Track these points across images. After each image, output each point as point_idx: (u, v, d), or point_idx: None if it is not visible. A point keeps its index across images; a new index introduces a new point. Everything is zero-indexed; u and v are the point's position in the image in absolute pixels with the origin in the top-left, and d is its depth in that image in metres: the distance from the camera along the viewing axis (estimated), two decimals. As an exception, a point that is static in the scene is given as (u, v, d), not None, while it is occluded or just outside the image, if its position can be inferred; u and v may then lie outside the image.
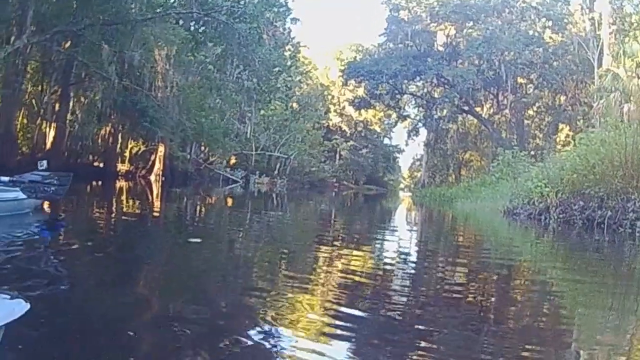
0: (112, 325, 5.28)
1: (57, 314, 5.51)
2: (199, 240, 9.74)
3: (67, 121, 45.77)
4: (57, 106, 44.27)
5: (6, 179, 12.72)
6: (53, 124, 44.38)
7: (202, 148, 63.65)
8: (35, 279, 6.93)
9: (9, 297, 3.45)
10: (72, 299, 6.28)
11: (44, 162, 14.87)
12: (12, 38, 34.65)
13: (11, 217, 12.19)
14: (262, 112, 71.26)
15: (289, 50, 69.04)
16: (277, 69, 50.38)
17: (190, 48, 41.68)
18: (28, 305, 3.33)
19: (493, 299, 8.08)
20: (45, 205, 15.48)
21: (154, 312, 6.30)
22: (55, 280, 7.07)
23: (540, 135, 65.66)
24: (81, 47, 38.13)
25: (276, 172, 79.50)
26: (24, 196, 12.99)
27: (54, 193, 13.81)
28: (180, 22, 42.19)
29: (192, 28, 43.00)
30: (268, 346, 5.22)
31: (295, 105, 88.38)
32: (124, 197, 29.10)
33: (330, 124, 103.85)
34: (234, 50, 42.10)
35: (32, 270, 7.42)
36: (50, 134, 44.66)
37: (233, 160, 73.18)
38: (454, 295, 8.12)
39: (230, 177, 65.85)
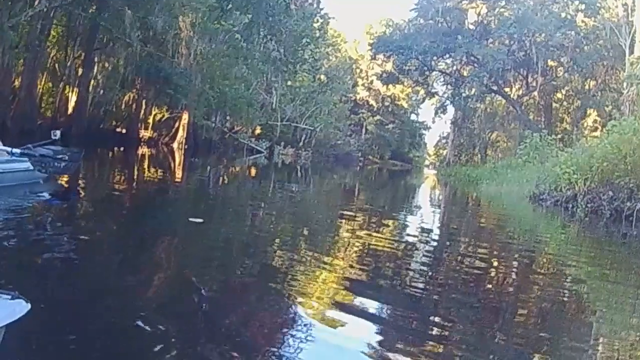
0: (119, 312, 5.12)
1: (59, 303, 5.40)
2: (200, 220, 9.42)
3: (90, 86, 45.73)
4: (79, 71, 44.21)
5: (18, 150, 12.58)
6: (75, 89, 44.34)
7: (227, 117, 63.46)
8: (34, 264, 6.71)
9: (9, 297, 3.40)
10: (75, 284, 6.04)
11: (58, 132, 14.81)
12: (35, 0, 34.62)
13: (22, 187, 12.07)
14: (289, 83, 70.95)
15: (317, 21, 68.58)
16: (304, 40, 49.77)
17: (216, 16, 41.39)
18: (29, 306, 3.28)
19: (512, 288, 7.97)
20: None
21: (164, 296, 6.13)
22: (56, 263, 6.83)
23: (568, 120, 65.01)
24: (104, 12, 37.94)
25: (301, 144, 79.18)
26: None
27: (64, 168, 13.87)
28: None
29: None
30: (284, 324, 5.24)
31: (322, 77, 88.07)
32: (144, 165, 29.04)
33: (358, 98, 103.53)
34: (260, 19, 41.82)
35: (30, 252, 7.08)
36: (73, 99, 44.65)
37: (258, 131, 72.97)
38: (473, 280, 8.05)
39: (255, 147, 65.69)
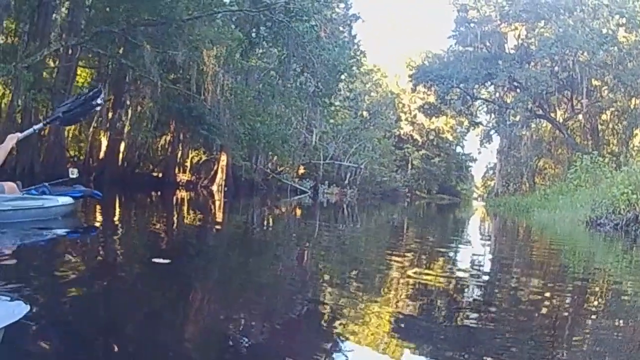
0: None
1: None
2: (167, 261, 9.10)
3: (124, 130, 46.02)
4: (110, 114, 44.52)
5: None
6: (106, 133, 44.68)
7: (270, 157, 63.65)
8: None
9: (8, 298, 3.54)
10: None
11: (75, 170, 15.48)
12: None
13: (34, 223, 12.19)
14: (331, 121, 71.09)
15: (352, 52, 68.60)
16: (338, 68, 49.30)
17: (243, 49, 41.34)
18: (28, 307, 3.35)
19: (567, 323, 7.48)
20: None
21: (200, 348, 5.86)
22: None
23: (615, 141, 64.20)
24: (125, 48, 38.33)
25: (346, 182, 79.29)
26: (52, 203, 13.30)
27: (87, 109, 14.08)
28: (233, 20, 41.78)
29: (246, 28, 42.57)
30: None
31: (364, 113, 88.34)
32: (182, 208, 28.99)
33: (402, 133, 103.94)
34: (290, 51, 41.71)
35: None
36: (104, 143, 45.00)
37: (302, 170, 73.19)
38: (525, 315, 7.63)
39: (299, 187, 65.81)
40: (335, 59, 46.61)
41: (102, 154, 45.85)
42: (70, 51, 38.00)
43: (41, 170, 35.62)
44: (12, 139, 12.06)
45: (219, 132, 42.65)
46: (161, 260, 8.56)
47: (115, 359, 4.61)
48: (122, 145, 46.42)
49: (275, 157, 64.07)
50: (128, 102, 45.96)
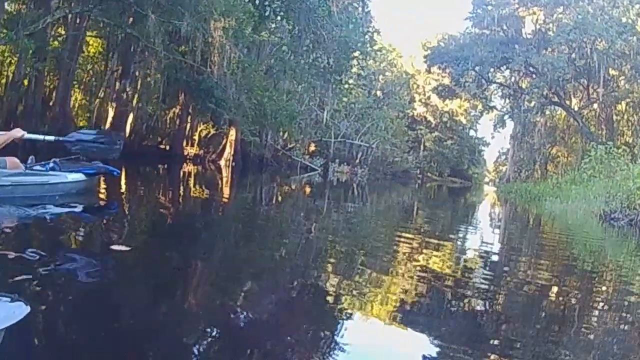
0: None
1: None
2: (126, 248, 8.90)
3: (134, 102, 45.79)
4: (117, 85, 44.25)
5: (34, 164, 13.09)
6: (113, 104, 44.45)
7: (281, 134, 63.47)
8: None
9: (9, 299, 3.40)
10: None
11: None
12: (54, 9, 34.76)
13: (35, 199, 12.02)
14: (344, 99, 70.87)
15: (365, 30, 68.00)
16: (349, 45, 48.64)
17: (254, 23, 40.90)
18: (28, 309, 3.30)
19: (573, 317, 7.41)
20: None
21: (200, 321, 5.92)
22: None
23: (629, 133, 63.82)
24: (129, 18, 37.74)
25: (357, 161, 79.14)
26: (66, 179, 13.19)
27: (104, 151, 13.86)
28: None
29: (257, 1, 41.96)
30: (332, 347, 5.05)
31: (378, 93, 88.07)
32: (188, 183, 28.96)
33: (415, 114, 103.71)
34: (301, 26, 41.33)
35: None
36: (110, 114, 44.82)
37: (312, 148, 73.11)
38: (531, 307, 7.64)
39: (309, 164, 65.76)
40: (347, 35, 46.15)
41: (108, 125, 45.77)
42: (78, 20, 37.90)
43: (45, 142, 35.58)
44: (16, 133, 11.97)
45: (227, 106, 42.31)
46: (120, 247, 8.41)
47: (113, 347, 4.60)
48: (130, 117, 46.29)
49: (286, 134, 63.97)
50: (136, 74, 45.73)
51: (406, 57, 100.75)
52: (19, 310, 3.25)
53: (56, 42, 39.63)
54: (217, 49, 35.75)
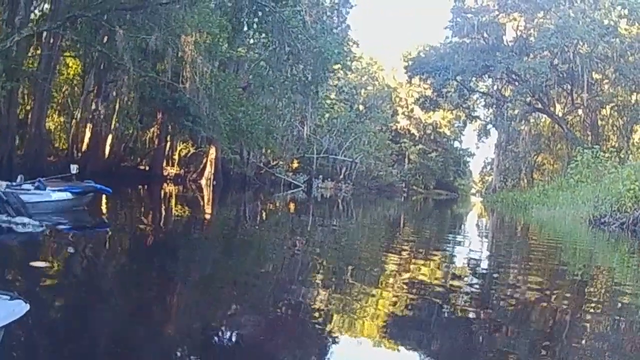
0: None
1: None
2: (43, 264, 8.67)
3: (112, 122, 45.44)
4: (93, 105, 43.97)
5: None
6: (89, 124, 44.14)
7: (263, 151, 63.29)
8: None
9: (8, 297, 3.45)
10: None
11: (74, 167, 15.27)
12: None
13: None
14: (326, 115, 70.81)
15: (342, 39, 67.83)
16: (324, 55, 48.22)
17: (228, 37, 40.57)
18: (28, 306, 3.35)
19: (564, 323, 7.32)
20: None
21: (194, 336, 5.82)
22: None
23: (614, 138, 63.98)
24: (107, 37, 36.80)
25: (341, 176, 78.98)
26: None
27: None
28: (215, 5, 40.69)
29: (229, 15, 41.64)
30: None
31: (361, 107, 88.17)
32: (169, 203, 28.85)
33: (399, 127, 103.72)
34: (275, 37, 41.12)
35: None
36: (87, 135, 44.46)
37: (296, 164, 72.90)
38: (521, 315, 7.62)
39: (292, 181, 65.56)
40: (323, 46, 45.83)
41: (85, 146, 45.41)
42: (52, 40, 37.66)
43: (23, 161, 35.15)
44: None
45: (202, 123, 40.81)
46: (39, 264, 8.20)
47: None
48: (108, 137, 45.98)
49: (269, 151, 63.81)
50: (113, 93, 45.35)
51: (388, 70, 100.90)
52: (19, 307, 3.32)
53: (32, 62, 39.47)
54: (190, 64, 34.83)
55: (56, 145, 45.53)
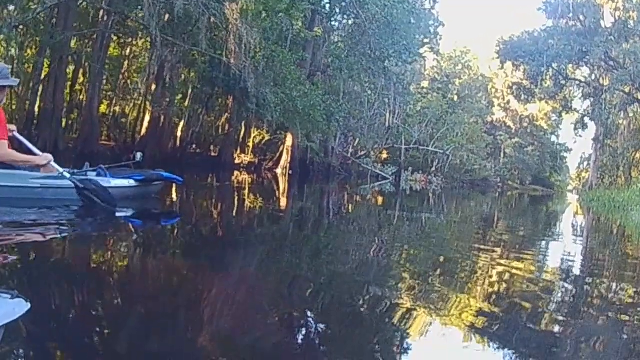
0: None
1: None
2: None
3: (170, 104, 45.31)
4: (153, 87, 43.89)
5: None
6: (148, 108, 44.13)
7: (350, 140, 63.12)
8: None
9: (9, 296, 3.45)
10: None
11: (139, 154, 15.47)
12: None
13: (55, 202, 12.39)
14: (419, 104, 70.52)
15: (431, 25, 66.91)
16: (393, 27, 47.07)
17: (304, 16, 39.70)
18: (29, 305, 3.37)
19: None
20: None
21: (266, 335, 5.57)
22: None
23: None
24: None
25: (433, 169, 78.57)
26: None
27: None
28: None
29: None
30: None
31: (455, 97, 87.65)
32: (239, 194, 28.08)
33: (494, 119, 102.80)
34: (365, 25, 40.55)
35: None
36: (146, 119, 44.42)
37: (385, 155, 72.78)
38: (614, 328, 7.20)
39: (380, 173, 65.41)
40: (389, 14, 44.82)
41: (143, 131, 45.35)
42: (105, 17, 38.32)
43: (69, 147, 35.32)
44: (43, 159, 12.24)
45: (251, 102, 40.15)
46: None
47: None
48: (171, 123, 45.79)
49: (357, 141, 63.73)
50: (176, 76, 44.71)
51: (483, 60, 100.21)
52: (20, 307, 3.32)
53: (83, 42, 39.83)
54: (234, 34, 33.98)
55: (111, 130, 45.87)
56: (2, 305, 3.28)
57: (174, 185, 18.90)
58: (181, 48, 37.49)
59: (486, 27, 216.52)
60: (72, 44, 38.78)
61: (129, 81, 48.50)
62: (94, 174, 13.82)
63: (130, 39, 46.23)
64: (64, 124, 40.00)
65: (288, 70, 40.65)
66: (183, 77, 46.90)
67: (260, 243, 12.03)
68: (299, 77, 42.84)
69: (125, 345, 4.70)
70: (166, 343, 4.80)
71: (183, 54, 39.51)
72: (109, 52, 42.11)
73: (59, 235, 9.73)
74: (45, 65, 37.50)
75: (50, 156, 12.36)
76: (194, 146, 53.05)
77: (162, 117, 44.19)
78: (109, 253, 9.03)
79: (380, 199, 35.51)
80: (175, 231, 12.74)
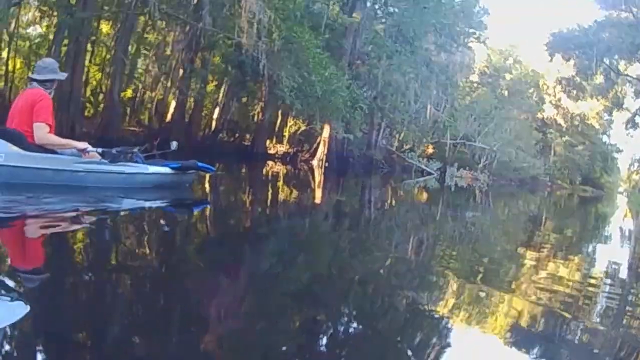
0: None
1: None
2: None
3: (195, 91, 45.55)
4: (180, 71, 43.67)
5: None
6: (174, 94, 43.98)
7: (395, 134, 62.88)
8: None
9: (9, 298, 3.60)
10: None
11: (175, 143, 15.79)
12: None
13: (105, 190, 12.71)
14: (467, 98, 70.18)
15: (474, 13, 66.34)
16: (420, 6, 46.50)
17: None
18: (28, 308, 3.46)
19: None
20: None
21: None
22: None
23: None
24: None
25: (480, 165, 78.15)
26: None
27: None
28: None
29: None
30: None
31: (505, 92, 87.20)
32: (273, 185, 28.06)
33: (545, 117, 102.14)
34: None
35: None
36: (172, 105, 44.31)
37: (431, 150, 72.52)
38: None
39: (425, 168, 65.14)
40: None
41: (169, 117, 45.30)
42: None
43: (87, 132, 35.34)
44: (81, 144, 12.74)
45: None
46: None
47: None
48: (200, 109, 45.64)
49: (402, 134, 63.51)
50: (201, 60, 45.43)
51: (535, 56, 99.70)
52: (19, 309, 3.44)
53: (107, 25, 39.89)
54: (245, 10, 33.10)
55: (136, 116, 45.99)
56: (2, 308, 3.41)
57: (206, 175, 19.03)
58: (194, 27, 37.17)
59: (539, 23, 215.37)
60: (101, 26, 39.09)
61: (155, 64, 48.44)
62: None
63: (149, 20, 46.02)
64: (88, 110, 40.30)
65: (310, 54, 39.51)
66: (212, 61, 46.72)
67: (290, 236, 12.11)
68: (322, 61, 41.56)
69: (139, 341, 4.65)
70: (182, 340, 4.75)
71: (204, 35, 39.25)
72: (131, 35, 41.94)
73: (81, 226, 9.74)
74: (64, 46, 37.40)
75: (86, 143, 12.61)
76: (225, 134, 52.96)
77: (191, 103, 44.11)
78: (133, 241, 9.02)
79: (423, 195, 35.35)
80: (207, 221, 12.77)
